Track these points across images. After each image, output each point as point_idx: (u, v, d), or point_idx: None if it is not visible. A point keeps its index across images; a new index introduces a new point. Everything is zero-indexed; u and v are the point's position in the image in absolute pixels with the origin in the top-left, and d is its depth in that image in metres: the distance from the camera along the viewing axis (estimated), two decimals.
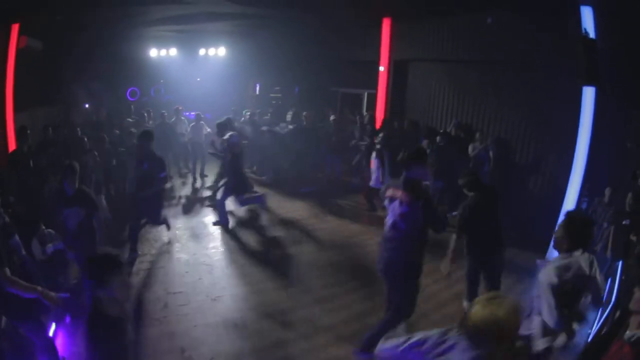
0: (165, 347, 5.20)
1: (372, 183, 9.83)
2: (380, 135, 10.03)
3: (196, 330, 5.55)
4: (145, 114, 13.12)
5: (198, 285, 6.65)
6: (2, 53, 8.80)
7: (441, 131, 11.43)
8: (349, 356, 5.07)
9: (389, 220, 4.78)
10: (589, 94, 8.01)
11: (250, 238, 8.79)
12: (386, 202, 4.89)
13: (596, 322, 6.09)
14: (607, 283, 6.81)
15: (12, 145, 8.89)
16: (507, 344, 2.36)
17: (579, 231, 3.68)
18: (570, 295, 3.57)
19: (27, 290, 3.89)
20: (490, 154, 9.73)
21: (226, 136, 9.16)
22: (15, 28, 8.87)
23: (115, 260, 3.21)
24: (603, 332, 4.56)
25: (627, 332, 3.06)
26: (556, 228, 3.83)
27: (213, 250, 8.13)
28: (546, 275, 3.66)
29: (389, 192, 4.79)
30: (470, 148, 10.21)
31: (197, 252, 7.91)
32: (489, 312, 2.30)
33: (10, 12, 8.44)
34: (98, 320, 3.10)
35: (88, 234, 6.16)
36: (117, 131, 11.30)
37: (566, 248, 3.67)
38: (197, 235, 8.76)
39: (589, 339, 5.72)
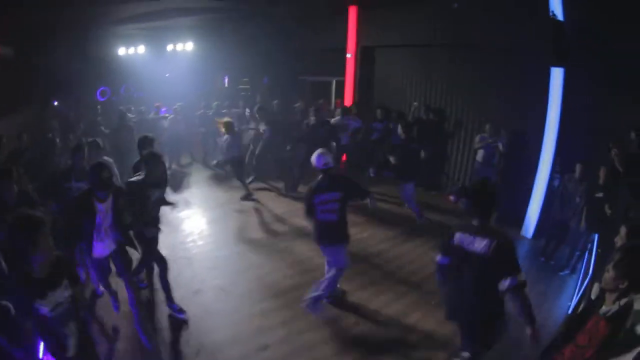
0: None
1: None
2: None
3: (181, 325, 5.68)
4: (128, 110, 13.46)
5: (179, 280, 6.64)
6: None
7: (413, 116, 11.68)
8: (326, 341, 5.41)
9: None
10: (557, 75, 8.19)
11: (226, 229, 9.02)
12: None
13: (574, 295, 6.34)
14: (583, 257, 7.08)
15: None
16: None
17: None
18: None
19: None
20: (500, 146, 9.60)
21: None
22: None
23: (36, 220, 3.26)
24: (581, 307, 4.74)
25: (603, 307, 3.08)
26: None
27: (191, 244, 8.24)
28: None
29: None
30: (477, 139, 10.13)
31: (176, 247, 7.98)
32: None
33: None
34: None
35: None
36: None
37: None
38: (174, 230, 8.83)
39: (569, 312, 5.96)
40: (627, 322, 2.86)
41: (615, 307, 2.98)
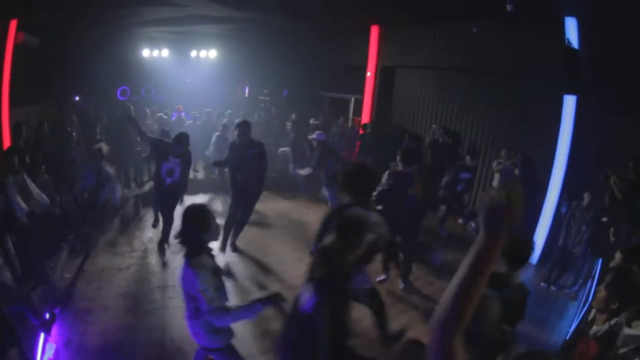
0: (156, 338, 5.38)
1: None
2: None
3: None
4: (148, 111, 13.58)
5: None
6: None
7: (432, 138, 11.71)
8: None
9: None
10: (570, 103, 8.24)
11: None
12: None
13: (574, 321, 6.32)
14: (586, 283, 7.07)
15: (6, 142, 8.94)
16: None
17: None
18: None
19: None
20: (516, 172, 9.39)
21: None
22: (13, 24, 8.95)
23: None
24: (573, 329, 4.75)
25: (594, 327, 3.14)
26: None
27: None
28: None
29: None
30: (495, 164, 10.03)
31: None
32: None
33: (9, 9, 8.52)
34: None
35: None
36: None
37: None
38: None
39: (566, 338, 5.95)
40: (616, 343, 2.90)
41: (605, 327, 3.02)
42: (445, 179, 9.64)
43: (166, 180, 7.40)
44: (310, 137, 10.48)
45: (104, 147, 9.15)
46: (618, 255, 4.02)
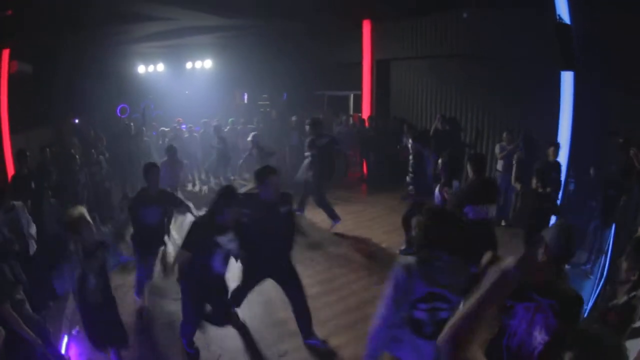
0: (175, 348, 5.32)
1: None
2: None
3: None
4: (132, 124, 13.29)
5: None
6: None
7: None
8: (346, 346, 5.33)
9: None
10: (567, 79, 8.22)
11: None
12: None
13: (591, 296, 6.26)
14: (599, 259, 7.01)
15: (10, 169, 8.97)
16: None
17: None
18: None
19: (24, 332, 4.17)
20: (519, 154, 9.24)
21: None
22: (5, 53, 9.00)
23: None
24: (593, 306, 4.69)
25: (615, 300, 3.09)
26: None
27: None
28: None
29: None
30: (497, 148, 9.93)
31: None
32: None
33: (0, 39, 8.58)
34: None
35: None
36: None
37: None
38: None
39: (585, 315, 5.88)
40: (633, 317, 2.86)
41: (624, 299, 2.98)
42: None
43: None
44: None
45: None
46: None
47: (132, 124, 12.64)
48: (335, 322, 5.90)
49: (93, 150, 10.52)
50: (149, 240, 6.16)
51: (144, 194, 6.09)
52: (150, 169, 6.14)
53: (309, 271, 7.21)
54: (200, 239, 4.59)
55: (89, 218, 4.23)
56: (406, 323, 2.93)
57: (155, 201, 6.03)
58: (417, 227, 3.02)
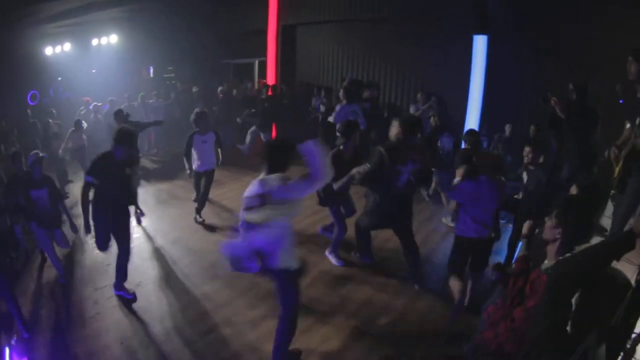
0: (103, 342, 5.27)
1: None
2: None
3: (128, 319, 5.70)
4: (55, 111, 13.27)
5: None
6: None
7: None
8: (269, 315, 5.45)
9: None
10: (480, 42, 8.78)
11: (160, 220, 8.97)
12: None
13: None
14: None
15: None
16: None
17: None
18: None
19: None
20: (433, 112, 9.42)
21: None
22: None
23: None
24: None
25: (545, 262, 3.12)
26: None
27: None
28: None
29: None
30: (411, 108, 10.19)
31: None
32: None
33: None
34: None
35: None
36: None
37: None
38: None
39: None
40: None
41: (552, 264, 3.10)
42: None
43: None
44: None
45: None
46: (574, 189, 4.41)
47: (36, 120, 12.55)
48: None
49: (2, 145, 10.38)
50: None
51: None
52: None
53: None
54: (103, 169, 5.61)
55: None
56: None
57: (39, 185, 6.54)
58: None
